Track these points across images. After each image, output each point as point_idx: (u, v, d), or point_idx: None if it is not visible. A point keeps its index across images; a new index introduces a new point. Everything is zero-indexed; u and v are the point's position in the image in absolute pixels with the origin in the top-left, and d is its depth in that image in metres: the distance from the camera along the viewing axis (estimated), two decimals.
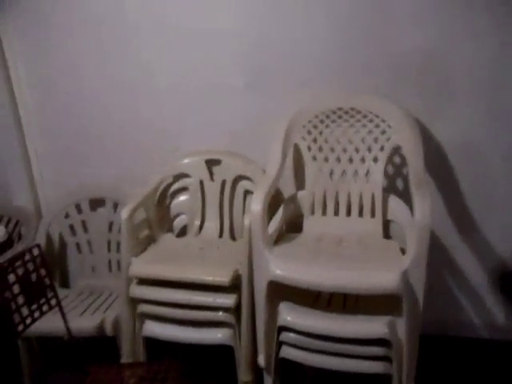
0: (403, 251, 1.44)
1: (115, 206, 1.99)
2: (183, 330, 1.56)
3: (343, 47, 1.68)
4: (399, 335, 1.30)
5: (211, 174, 1.87)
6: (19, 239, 1.97)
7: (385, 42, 1.64)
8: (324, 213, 1.68)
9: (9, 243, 1.92)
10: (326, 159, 1.68)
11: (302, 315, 1.38)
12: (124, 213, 1.60)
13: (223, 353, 1.57)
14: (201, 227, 1.87)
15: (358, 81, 1.69)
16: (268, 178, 1.55)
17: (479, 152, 1.68)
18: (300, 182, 1.78)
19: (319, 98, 1.70)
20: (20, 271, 1.26)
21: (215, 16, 1.74)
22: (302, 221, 1.69)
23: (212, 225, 1.86)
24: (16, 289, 1.26)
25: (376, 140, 1.63)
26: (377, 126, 1.63)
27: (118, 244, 1.80)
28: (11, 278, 1.24)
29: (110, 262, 2.01)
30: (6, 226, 1.99)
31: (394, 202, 1.62)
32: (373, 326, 1.30)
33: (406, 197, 1.58)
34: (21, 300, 1.26)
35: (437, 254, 1.64)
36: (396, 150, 1.69)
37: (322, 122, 1.68)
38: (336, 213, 1.68)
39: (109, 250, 2.01)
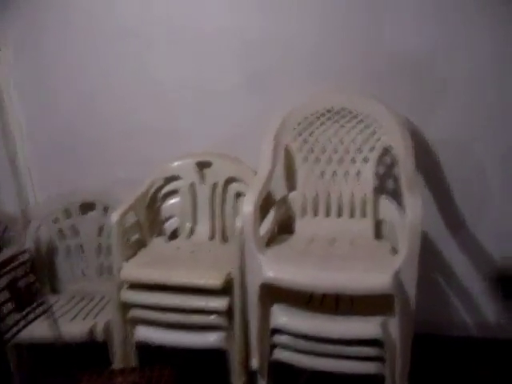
0: (395, 251, 1.45)
1: (105, 209, 1.96)
2: (175, 335, 1.55)
3: (335, 48, 1.68)
4: (392, 335, 1.31)
5: (202, 176, 1.86)
6: (7, 244, 1.94)
7: (377, 43, 1.65)
8: (315, 214, 1.68)
9: None
10: (317, 160, 1.68)
11: (294, 317, 1.38)
12: (114, 217, 1.58)
13: (216, 356, 1.56)
14: (192, 230, 1.86)
15: (350, 82, 1.69)
16: (259, 180, 1.54)
17: (471, 152, 1.69)
18: (291, 184, 1.78)
19: (310, 99, 1.69)
20: (8, 277, 1.23)
21: (203, 18, 1.73)
22: (294, 222, 1.68)
23: (203, 227, 1.85)
24: (4, 295, 1.24)
25: (367, 140, 1.64)
26: (367, 126, 1.63)
27: (109, 248, 1.78)
28: None
29: (100, 266, 1.98)
30: None
31: (385, 203, 1.62)
32: (366, 327, 1.30)
33: (397, 197, 1.59)
34: (9, 307, 1.23)
35: (428, 254, 1.63)
36: (387, 151, 1.70)
37: (312, 123, 1.68)
38: (327, 214, 1.68)
39: (99, 254, 1.98)
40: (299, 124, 1.68)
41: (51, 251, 2.04)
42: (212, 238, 1.84)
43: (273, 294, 1.40)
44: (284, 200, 1.72)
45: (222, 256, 1.63)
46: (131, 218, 1.73)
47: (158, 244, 1.80)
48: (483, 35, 1.57)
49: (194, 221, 1.87)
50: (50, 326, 1.36)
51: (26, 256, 1.27)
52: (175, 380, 1.29)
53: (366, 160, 1.64)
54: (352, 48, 1.67)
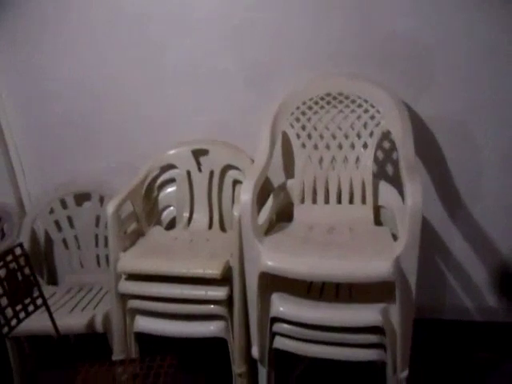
0: (395, 237, 1.43)
1: (101, 199, 1.95)
2: (175, 324, 1.54)
3: (331, 32, 1.63)
4: (393, 322, 1.30)
5: (199, 164, 1.83)
6: (2, 236, 1.92)
7: (373, 26, 1.60)
8: (314, 201, 1.66)
9: None
10: (315, 146, 1.66)
11: (294, 305, 1.37)
12: (110, 207, 1.55)
13: (216, 345, 1.55)
14: (190, 219, 1.84)
15: (347, 66, 1.66)
16: (257, 168, 1.51)
17: (468, 133, 1.66)
18: (289, 171, 1.76)
19: (307, 84, 1.66)
20: (2, 272, 1.22)
21: (203, 4, 1.68)
22: (293, 210, 1.66)
23: (201, 216, 1.83)
24: (0, 289, 1.22)
25: (365, 125, 1.61)
26: (366, 111, 1.60)
27: (106, 239, 1.76)
28: None
29: (98, 256, 1.97)
30: None
31: (385, 188, 1.60)
32: (366, 314, 1.29)
33: (396, 182, 1.57)
34: (5, 301, 1.22)
35: (428, 238, 1.63)
36: (386, 135, 1.67)
37: (310, 108, 1.65)
38: (326, 201, 1.66)
39: (96, 244, 1.97)
40: (297, 109, 1.64)
41: (48, 243, 2.03)
42: (210, 226, 1.82)
43: (272, 282, 1.38)
44: (282, 187, 1.69)
45: (221, 245, 1.62)
46: (128, 208, 1.71)
47: (155, 234, 1.78)
48: (482, 16, 1.52)
49: (192, 210, 1.85)
50: (48, 319, 1.35)
51: (19, 250, 1.25)
52: (176, 370, 1.29)
53: (365, 145, 1.61)
54: (349, 32, 1.62)
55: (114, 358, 1.61)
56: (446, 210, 1.76)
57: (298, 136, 1.65)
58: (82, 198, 1.97)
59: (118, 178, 1.88)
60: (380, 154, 1.73)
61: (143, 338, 1.62)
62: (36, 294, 1.31)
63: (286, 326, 1.38)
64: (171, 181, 1.87)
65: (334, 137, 1.65)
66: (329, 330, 1.31)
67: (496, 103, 1.62)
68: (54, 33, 1.81)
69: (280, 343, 1.42)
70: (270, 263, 1.31)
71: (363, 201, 1.61)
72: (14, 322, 1.23)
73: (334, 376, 1.61)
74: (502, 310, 1.82)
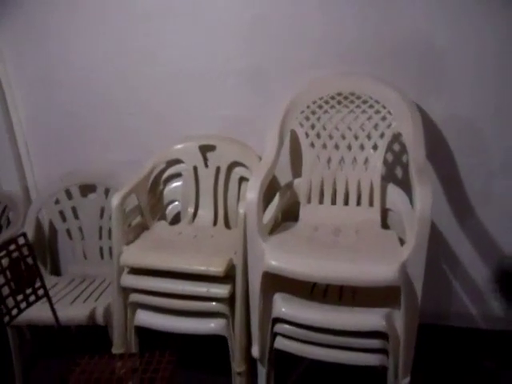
0: (402, 241, 1.41)
1: (107, 191, 1.94)
2: (176, 320, 1.53)
3: (342, 32, 1.61)
4: (396, 328, 1.28)
5: (205, 160, 1.81)
6: (7, 225, 1.92)
7: (387, 27, 1.57)
8: (321, 201, 1.64)
9: None
10: (324, 146, 1.63)
11: (297, 307, 1.35)
12: (115, 199, 1.54)
13: (217, 343, 1.54)
14: (194, 215, 1.83)
15: (358, 66, 1.63)
16: (264, 165, 1.50)
17: (481, 141, 1.63)
18: (297, 170, 1.73)
19: (318, 83, 1.64)
20: (5, 261, 1.21)
21: (211, 2, 1.66)
22: (299, 209, 1.65)
23: (206, 212, 1.82)
24: (2, 278, 1.22)
25: (376, 127, 1.58)
26: (377, 112, 1.57)
27: (110, 231, 1.75)
28: None
29: (101, 248, 1.97)
30: None
31: (393, 191, 1.58)
32: (369, 319, 1.27)
33: (405, 185, 1.54)
34: (6, 290, 1.22)
35: (435, 243, 1.60)
36: (396, 137, 1.65)
37: (320, 107, 1.62)
38: (333, 201, 1.64)
39: (100, 236, 1.97)
40: (307, 108, 1.62)
41: (52, 233, 2.03)
42: (215, 223, 1.81)
43: (275, 282, 1.36)
44: (289, 186, 1.67)
45: (225, 242, 1.60)
46: (133, 202, 1.70)
47: (159, 228, 1.77)
48: (494, 18, 1.49)
49: (197, 205, 1.83)
50: (49, 309, 1.34)
51: (22, 240, 1.24)
52: (175, 366, 1.27)
53: (374, 147, 1.59)
54: (362, 32, 1.59)
55: (114, 350, 1.60)
56: (453, 214, 1.73)
57: (307, 135, 1.63)
58: (87, 189, 1.97)
59: (124, 171, 1.86)
60: (389, 156, 1.70)
61: (144, 332, 1.61)
62: (38, 284, 1.30)
63: (287, 326, 1.37)
64: (177, 175, 1.86)
65: (343, 137, 1.62)
66: (331, 332, 1.30)
67: (509, 106, 1.58)
68: (60, 23, 1.80)
69: (281, 344, 1.41)
70: (273, 263, 1.29)
71: (371, 203, 1.59)
72: (14, 311, 1.22)
73: (333, 379, 1.59)
74: (507, 318, 1.79)
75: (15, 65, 1.89)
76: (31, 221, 1.91)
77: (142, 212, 1.74)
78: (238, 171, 1.79)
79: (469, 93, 1.59)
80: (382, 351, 1.31)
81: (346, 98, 1.60)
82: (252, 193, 1.35)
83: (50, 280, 1.86)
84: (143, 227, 1.75)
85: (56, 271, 2.08)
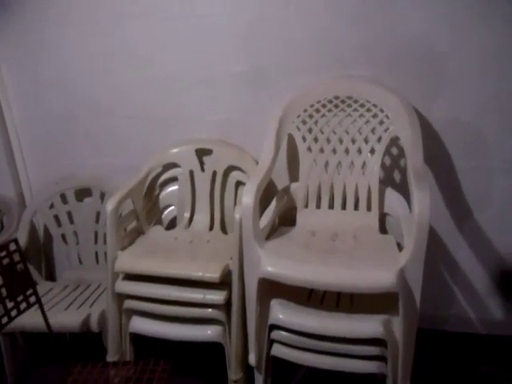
0: (400, 246, 1.39)
1: (102, 196, 1.92)
2: (171, 327, 1.51)
3: (341, 35, 1.59)
4: (395, 334, 1.26)
5: (202, 164, 1.80)
6: (1, 229, 1.90)
7: (384, 30, 1.56)
8: (318, 206, 1.62)
9: None
10: (321, 150, 1.62)
11: (294, 313, 1.33)
12: (109, 204, 1.52)
13: (213, 350, 1.52)
14: (191, 219, 1.81)
15: (356, 69, 1.61)
16: (260, 170, 1.48)
17: (480, 145, 1.62)
18: (294, 174, 1.72)
19: (315, 86, 1.62)
20: None
21: (211, 4, 1.65)
22: (296, 214, 1.63)
23: (202, 217, 1.80)
24: None
25: (373, 130, 1.57)
26: (375, 115, 1.56)
27: (106, 236, 1.73)
28: None
29: (96, 253, 1.95)
30: None
31: (391, 195, 1.56)
32: (367, 325, 1.26)
33: (403, 190, 1.52)
34: None
35: (433, 247, 1.58)
36: (394, 141, 1.63)
37: (317, 111, 1.61)
38: (331, 206, 1.62)
39: (96, 241, 1.95)
40: (304, 111, 1.61)
41: (47, 237, 2.01)
42: (211, 228, 1.79)
43: (272, 288, 1.35)
44: (286, 191, 1.66)
45: (221, 247, 1.58)
46: (128, 206, 1.68)
47: (155, 233, 1.75)
48: (495, 22, 1.48)
49: (193, 210, 1.81)
50: (42, 316, 1.32)
51: (13, 246, 1.22)
52: (169, 374, 1.25)
53: (372, 151, 1.57)
54: (361, 35, 1.58)
55: (109, 358, 1.58)
56: (452, 218, 1.72)
57: (304, 139, 1.62)
58: (82, 193, 1.95)
59: (120, 175, 1.85)
60: (387, 160, 1.69)
61: (139, 340, 1.59)
62: (30, 291, 1.28)
63: (284, 333, 1.35)
64: (173, 180, 1.84)
65: (340, 141, 1.61)
66: (328, 339, 1.28)
67: (508, 111, 1.57)
68: (55, 27, 1.78)
69: (278, 351, 1.39)
70: (269, 269, 1.27)
71: (368, 207, 1.57)
72: (5, 319, 1.20)
73: None
74: (506, 322, 1.77)
75: (10, 68, 1.87)
76: (25, 225, 1.88)
77: (138, 217, 1.73)
78: (234, 175, 1.77)
79: (467, 96, 1.58)
80: (381, 358, 1.29)
81: (343, 101, 1.59)
82: (248, 197, 1.33)
83: (44, 285, 1.84)
84: (139, 232, 1.73)
85: (51, 276, 2.05)
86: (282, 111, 1.59)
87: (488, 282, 1.76)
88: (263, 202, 1.52)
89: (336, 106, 1.60)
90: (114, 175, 1.90)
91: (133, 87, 1.81)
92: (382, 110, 1.55)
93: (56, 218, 1.95)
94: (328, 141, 1.61)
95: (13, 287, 1.23)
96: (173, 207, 1.86)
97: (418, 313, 1.26)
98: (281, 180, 1.75)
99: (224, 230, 1.80)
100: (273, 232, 1.53)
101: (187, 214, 1.81)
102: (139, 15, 1.71)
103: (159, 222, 1.86)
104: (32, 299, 1.27)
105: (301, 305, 1.35)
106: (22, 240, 1.82)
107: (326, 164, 1.62)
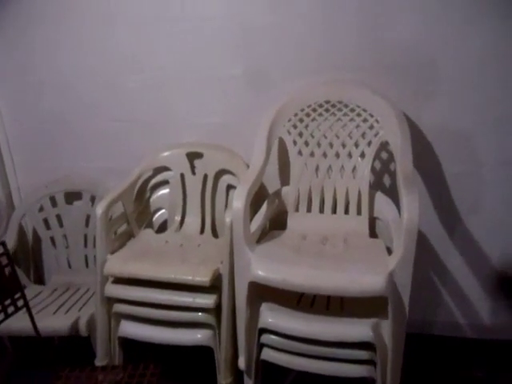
0: (389, 250, 1.40)
1: (92, 199, 1.91)
2: (161, 331, 1.50)
3: (333, 40, 1.60)
4: (384, 338, 1.26)
5: (193, 167, 1.79)
6: None
7: (376, 36, 1.57)
8: (309, 210, 1.63)
9: None
10: (312, 154, 1.63)
11: (283, 317, 1.33)
12: (99, 208, 1.52)
13: (202, 354, 1.52)
14: (181, 223, 1.80)
15: (347, 74, 1.62)
16: (251, 173, 1.48)
17: (470, 150, 1.63)
18: (285, 178, 1.72)
19: (306, 91, 1.63)
20: None
21: (204, 6, 1.65)
22: (286, 217, 1.63)
23: (193, 220, 1.79)
24: None
25: (363, 135, 1.58)
26: (365, 120, 1.57)
27: (95, 239, 1.72)
28: None
29: (86, 257, 1.94)
30: None
31: (381, 200, 1.57)
32: (357, 329, 1.26)
33: (393, 194, 1.53)
34: None
35: (423, 252, 1.59)
36: (384, 146, 1.64)
37: (308, 115, 1.62)
38: (321, 210, 1.62)
39: (85, 245, 1.93)
40: (295, 115, 1.61)
41: (35, 241, 1.99)
42: (202, 231, 1.78)
43: (262, 292, 1.35)
44: (277, 194, 1.66)
45: (212, 251, 1.58)
46: (119, 209, 1.67)
47: (146, 236, 1.74)
48: (486, 27, 1.50)
49: (184, 213, 1.81)
50: (29, 319, 1.31)
51: (2, 248, 1.21)
52: (159, 378, 1.24)
53: (362, 155, 1.58)
54: (352, 39, 1.59)
55: (97, 362, 1.57)
56: (442, 223, 1.73)
57: (295, 143, 1.62)
58: (72, 196, 1.94)
59: (111, 178, 1.84)
60: (377, 165, 1.70)
61: (128, 344, 1.58)
62: (18, 294, 1.27)
63: (274, 337, 1.35)
64: (164, 183, 1.84)
65: (331, 145, 1.62)
66: (318, 343, 1.28)
67: (498, 116, 1.59)
68: (47, 28, 1.77)
69: (267, 355, 1.38)
70: (260, 273, 1.27)
71: (359, 211, 1.58)
72: None
73: None
74: (495, 327, 1.79)
75: None
76: (14, 228, 1.87)
77: (128, 220, 1.72)
78: (225, 179, 1.77)
79: (458, 102, 1.59)
80: (370, 362, 1.30)
81: (333, 105, 1.60)
82: (238, 201, 1.33)
83: (32, 289, 1.82)
84: (129, 235, 1.72)
85: (39, 280, 2.03)
86: (273, 115, 1.60)
87: (478, 286, 1.77)
88: (254, 205, 1.52)
89: (327, 111, 1.61)
90: (104, 178, 1.89)
91: (124, 90, 1.80)
92: (371, 115, 1.56)
93: (45, 221, 1.93)
94: (319, 145, 1.62)
95: (0, 290, 1.21)
96: (163, 210, 1.85)
97: (406, 317, 1.27)
98: (272, 184, 1.75)
99: (215, 233, 1.79)
100: (263, 236, 1.53)
101: (178, 218, 1.80)
102: (131, 18, 1.71)
103: (150, 225, 1.85)
104: (20, 303, 1.26)
105: (291, 309, 1.35)
106: (11, 243, 1.81)
107: (317, 168, 1.63)
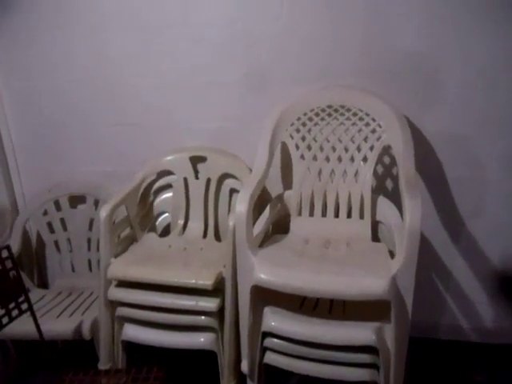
0: (392, 254, 1.40)
1: (96, 203, 1.92)
2: (164, 335, 1.50)
3: (336, 45, 1.62)
4: (387, 342, 1.26)
5: (196, 171, 1.80)
6: None
7: (377, 41, 1.59)
8: (311, 214, 1.63)
9: None
10: (315, 158, 1.63)
11: (286, 320, 1.33)
12: (103, 211, 1.53)
13: (206, 358, 1.52)
14: (184, 227, 1.81)
15: (349, 78, 1.64)
16: (254, 177, 1.49)
17: (472, 155, 1.64)
18: (287, 182, 1.73)
19: (308, 95, 1.64)
20: None
21: (205, 12, 1.67)
22: (289, 221, 1.64)
23: (196, 224, 1.80)
24: None
25: (366, 139, 1.58)
26: (367, 124, 1.58)
27: (99, 243, 1.73)
28: None
29: (90, 261, 1.94)
30: None
31: (383, 204, 1.57)
32: (360, 333, 1.26)
33: (395, 198, 1.54)
34: None
35: (426, 256, 1.60)
36: (386, 150, 1.65)
37: (310, 119, 1.62)
38: (324, 214, 1.63)
39: (89, 248, 1.94)
40: (297, 120, 1.62)
41: (39, 245, 2.00)
42: (205, 235, 1.79)
43: (265, 295, 1.35)
44: (279, 198, 1.67)
45: (215, 255, 1.58)
46: (122, 213, 1.68)
47: (149, 240, 1.75)
48: (486, 34, 1.51)
49: (187, 217, 1.82)
50: (33, 323, 1.31)
51: (5, 253, 1.21)
52: (163, 382, 1.25)
53: (364, 159, 1.59)
54: (355, 44, 1.60)
55: (101, 366, 1.57)
56: (445, 227, 1.73)
57: (298, 147, 1.63)
58: (76, 200, 1.95)
59: (115, 182, 1.85)
60: (380, 169, 1.71)
61: (132, 347, 1.58)
62: (22, 298, 1.27)
63: (277, 341, 1.35)
64: (167, 187, 1.85)
65: (333, 149, 1.62)
66: (321, 347, 1.28)
67: (499, 121, 1.59)
68: (52, 32, 1.79)
69: (270, 359, 1.39)
70: (262, 276, 1.28)
71: (361, 215, 1.58)
72: None
73: None
74: (498, 331, 1.78)
75: (4, 76, 1.87)
76: (18, 232, 1.88)
77: (132, 224, 1.73)
78: (228, 183, 1.78)
79: (460, 107, 1.60)
80: (373, 366, 1.30)
81: (336, 110, 1.61)
82: (241, 205, 1.34)
83: (36, 293, 1.83)
84: (132, 239, 1.73)
85: (43, 284, 2.04)
86: (276, 119, 1.61)
87: (481, 290, 1.77)
88: (257, 209, 1.53)
89: (329, 115, 1.61)
90: (108, 182, 1.90)
91: (127, 95, 1.82)
92: (374, 119, 1.56)
93: (49, 224, 1.94)
94: (321, 149, 1.63)
95: (4, 294, 1.22)
96: (167, 214, 1.86)
97: (409, 320, 1.27)
98: (274, 188, 1.76)
99: (218, 237, 1.80)
100: (266, 239, 1.53)
101: (181, 222, 1.81)
102: (132, 24, 1.72)
103: (153, 229, 1.86)
104: (24, 306, 1.27)
105: (293, 312, 1.36)
106: (15, 247, 1.82)
107: (320, 172, 1.63)
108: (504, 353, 1.74)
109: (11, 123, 1.94)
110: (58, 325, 1.56)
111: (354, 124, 1.59)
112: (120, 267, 1.51)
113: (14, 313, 1.24)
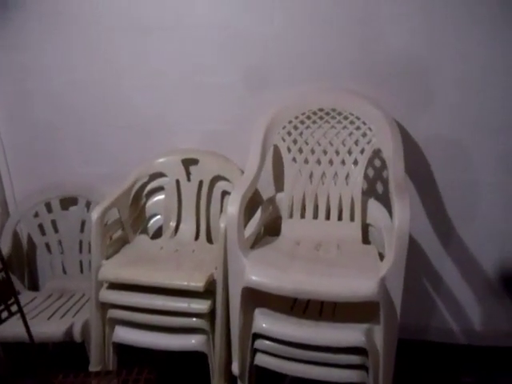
0: (382, 256, 1.42)
1: (88, 204, 1.91)
2: (155, 336, 1.50)
3: (327, 48, 1.63)
4: (376, 343, 1.28)
5: (188, 173, 1.81)
6: None
7: (371, 45, 1.60)
8: (303, 216, 1.65)
9: None
10: (306, 161, 1.65)
11: (277, 322, 1.34)
12: (95, 213, 1.52)
13: (196, 360, 1.52)
14: (176, 229, 1.81)
15: (341, 82, 1.65)
16: (246, 180, 1.50)
17: (463, 159, 1.66)
18: (279, 184, 1.74)
19: (300, 98, 1.65)
20: None
21: (197, 13, 1.68)
22: (281, 224, 1.65)
23: (188, 226, 1.80)
24: None
25: (357, 142, 1.60)
26: (358, 128, 1.59)
27: (90, 244, 1.73)
28: None
29: (81, 263, 1.93)
30: None
31: (374, 206, 1.59)
32: (349, 335, 1.27)
33: (385, 201, 1.56)
34: None
35: (416, 258, 1.62)
36: (377, 153, 1.67)
37: (302, 122, 1.64)
38: (315, 216, 1.64)
39: (80, 250, 1.93)
40: (289, 123, 1.64)
41: (30, 246, 1.98)
42: (197, 237, 1.79)
43: (256, 297, 1.36)
44: (271, 201, 1.68)
45: (206, 257, 1.59)
46: (114, 215, 1.68)
47: (141, 242, 1.75)
48: (480, 37, 1.53)
49: (179, 219, 1.82)
50: (23, 325, 1.30)
51: None
52: (154, 383, 1.25)
53: (355, 162, 1.60)
54: (346, 47, 1.62)
55: (91, 368, 1.57)
56: (435, 230, 1.75)
57: (289, 150, 1.64)
58: (68, 202, 1.94)
59: (106, 184, 1.84)
60: (370, 172, 1.72)
61: (123, 349, 1.58)
62: (11, 300, 1.26)
63: (267, 342, 1.36)
64: (159, 189, 1.85)
65: (325, 152, 1.64)
66: (311, 348, 1.29)
67: (491, 125, 1.61)
68: (42, 32, 1.78)
69: (261, 360, 1.39)
70: (253, 278, 1.29)
71: (352, 218, 1.60)
72: None
73: None
74: (488, 333, 1.80)
75: None
76: (8, 234, 1.86)
77: (123, 226, 1.72)
78: (220, 185, 1.79)
79: (452, 111, 1.62)
80: (362, 367, 1.31)
81: (327, 113, 1.62)
82: (233, 207, 1.35)
83: (27, 295, 1.81)
84: (124, 241, 1.73)
85: (34, 286, 2.03)
86: (268, 122, 1.62)
87: (470, 292, 1.78)
88: (249, 211, 1.54)
89: (320, 118, 1.63)
90: (99, 184, 1.89)
91: (119, 97, 1.82)
92: (364, 123, 1.58)
93: (40, 226, 1.93)
94: (312, 152, 1.64)
95: None
96: (159, 216, 1.86)
97: (398, 322, 1.29)
98: (266, 190, 1.77)
99: (210, 239, 1.80)
100: (258, 241, 1.54)
101: (173, 224, 1.81)
102: (125, 26, 1.72)
103: (145, 231, 1.86)
104: (14, 308, 1.25)
105: (284, 314, 1.36)
106: (5, 249, 1.80)
107: (311, 175, 1.65)
108: (493, 355, 1.76)
109: (2, 125, 1.92)
110: (48, 327, 1.55)
111: (344, 127, 1.61)
112: (111, 269, 1.51)
113: (4, 315, 1.23)
